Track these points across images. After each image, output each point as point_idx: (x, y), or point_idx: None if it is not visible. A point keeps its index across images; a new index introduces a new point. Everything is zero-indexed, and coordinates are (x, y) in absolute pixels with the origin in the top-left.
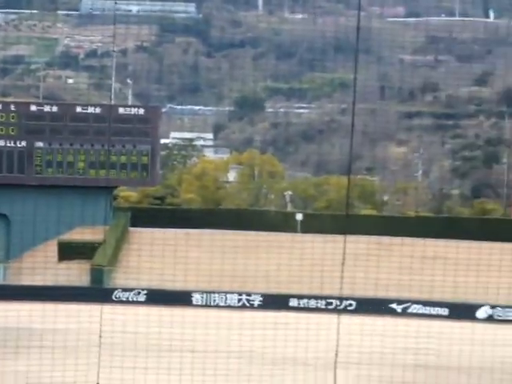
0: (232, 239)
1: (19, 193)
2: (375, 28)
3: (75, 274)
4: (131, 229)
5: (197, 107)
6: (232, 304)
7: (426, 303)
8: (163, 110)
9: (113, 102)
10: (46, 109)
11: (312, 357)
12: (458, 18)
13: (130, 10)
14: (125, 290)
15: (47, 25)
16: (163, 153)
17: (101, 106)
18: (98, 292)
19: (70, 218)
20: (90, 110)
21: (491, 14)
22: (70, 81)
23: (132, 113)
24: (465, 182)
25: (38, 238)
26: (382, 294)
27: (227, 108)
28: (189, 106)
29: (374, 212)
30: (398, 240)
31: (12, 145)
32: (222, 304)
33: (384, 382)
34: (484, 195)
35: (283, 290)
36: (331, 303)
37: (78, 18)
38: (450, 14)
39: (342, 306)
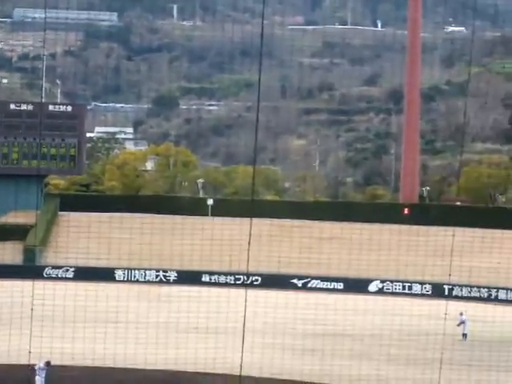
0: (150, 222)
1: None
2: (277, 34)
3: (9, 253)
4: (60, 213)
5: (118, 105)
6: (151, 279)
7: (323, 278)
8: (89, 107)
9: (43, 100)
10: None
11: (222, 326)
12: (350, 27)
13: (59, 18)
14: (54, 267)
15: None
16: (89, 145)
17: (33, 103)
18: (30, 270)
19: (5, 204)
20: (23, 107)
21: (379, 24)
22: (4, 81)
23: (61, 110)
24: (357, 171)
25: None
26: (284, 270)
27: (146, 105)
28: (111, 104)
29: (276, 197)
30: (298, 222)
31: None
32: (141, 279)
33: (286, 349)
34: (374, 182)
35: (196, 267)
36: (239, 279)
37: (11, 25)
38: (343, 22)
39: (248, 281)
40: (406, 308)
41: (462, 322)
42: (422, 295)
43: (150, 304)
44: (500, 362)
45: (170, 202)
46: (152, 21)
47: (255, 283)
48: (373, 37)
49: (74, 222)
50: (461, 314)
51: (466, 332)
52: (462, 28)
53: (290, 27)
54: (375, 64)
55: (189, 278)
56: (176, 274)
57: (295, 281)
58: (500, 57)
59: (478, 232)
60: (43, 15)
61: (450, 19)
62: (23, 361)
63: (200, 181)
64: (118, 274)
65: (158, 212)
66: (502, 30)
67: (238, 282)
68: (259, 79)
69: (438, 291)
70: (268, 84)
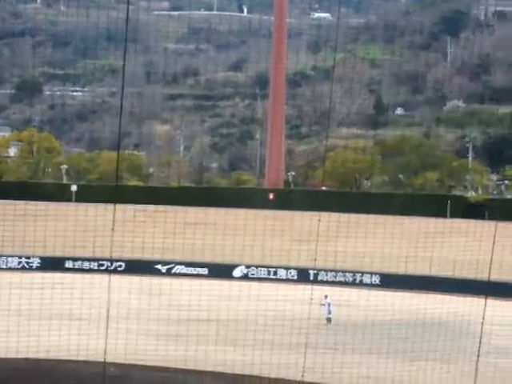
0: (12, 209)
1: None
2: (143, 20)
3: None
4: None
5: None
6: (13, 266)
7: (188, 264)
8: None
9: None
10: None
11: (86, 312)
12: (216, 12)
13: None
14: None
15: None
16: None
17: None
18: None
19: None
20: None
21: (245, 9)
22: None
23: None
24: (222, 156)
25: None
26: (148, 256)
27: (8, 91)
28: None
29: (140, 183)
30: (162, 208)
31: None
32: (3, 266)
33: (151, 334)
34: (239, 168)
35: (59, 253)
36: (103, 264)
37: None
38: (209, 8)
39: (112, 267)
40: (271, 293)
41: (327, 305)
42: (288, 280)
43: (12, 291)
44: (364, 344)
45: (33, 188)
46: (15, 5)
47: (119, 269)
48: (239, 22)
49: None
50: (325, 297)
51: (330, 316)
52: (328, 14)
53: (156, 13)
54: (241, 50)
55: (52, 264)
56: (39, 261)
57: (159, 266)
58: (364, 43)
59: (344, 217)
60: None
61: (316, 5)
62: None
63: (64, 167)
64: None
65: (21, 198)
66: (366, 16)
67: (101, 268)
68: (124, 65)
69: (304, 276)
70: (133, 70)
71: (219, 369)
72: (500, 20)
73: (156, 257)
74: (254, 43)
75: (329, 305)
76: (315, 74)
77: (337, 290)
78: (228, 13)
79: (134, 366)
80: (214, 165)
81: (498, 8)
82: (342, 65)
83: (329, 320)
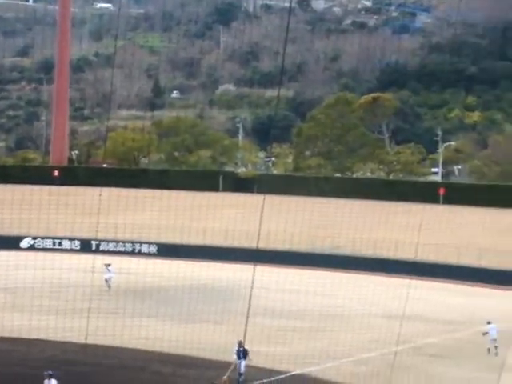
0: None
1: None
2: None
3: None
4: None
5: None
6: None
7: None
8: None
9: None
10: None
11: None
12: (2, 1)
13: None
14: None
15: None
16: None
17: None
18: None
19: None
20: None
21: None
22: None
23: None
24: (10, 136)
25: None
26: None
27: None
28: None
29: None
30: None
31: None
32: None
33: None
34: (26, 147)
35: None
36: None
37: None
38: None
39: None
40: (56, 263)
41: (108, 272)
42: (72, 250)
43: None
44: (143, 309)
45: None
46: None
47: None
48: (24, 11)
49: None
50: (107, 265)
51: (110, 284)
52: (110, 4)
53: None
54: (27, 36)
55: None
56: None
57: None
58: (144, 31)
59: (124, 191)
60: None
61: None
62: None
63: None
64: None
65: None
66: (145, 7)
67: None
68: None
69: (87, 247)
70: None
71: (14, 334)
72: (267, 12)
73: None
74: (39, 31)
75: (109, 271)
76: (98, 60)
77: (117, 259)
78: (14, 1)
79: None
80: (1, 144)
81: (265, 1)
82: (122, 52)
83: (108, 285)
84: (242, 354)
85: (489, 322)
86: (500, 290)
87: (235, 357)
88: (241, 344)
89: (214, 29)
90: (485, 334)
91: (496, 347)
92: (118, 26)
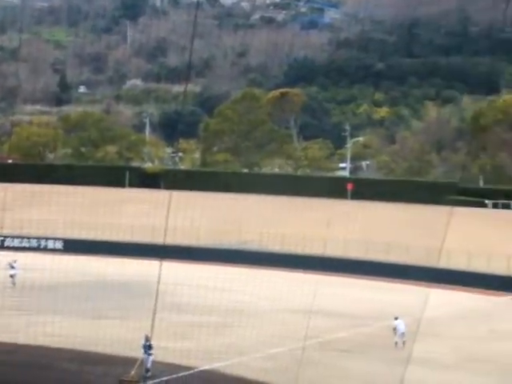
0: None
1: None
2: None
3: None
4: None
5: None
6: None
7: None
8: None
9: None
10: None
11: None
12: None
13: None
14: None
15: None
16: None
17: None
18: None
19: None
20: None
21: None
22: None
23: None
24: None
25: None
26: None
27: None
28: None
29: None
30: None
31: None
32: None
33: None
34: None
35: None
36: None
37: None
38: None
39: None
40: None
41: (12, 269)
42: None
43: None
44: (49, 305)
45: None
46: None
47: None
48: None
49: None
50: (12, 262)
51: (15, 280)
52: None
53: None
54: None
55: None
56: None
57: None
58: (49, 25)
59: (29, 187)
60: None
61: None
62: None
63: None
64: None
65: None
66: (51, 0)
67: None
68: None
69: None
70: None
71: None
72: (174, 7)
73: None
74: None
75: (13, 268)
76: (1, 53)
77: (23, 255)
78: None
79: None
80: None
81: None
82: (27, 45)
83: (14, 283)
84: (149, 349)
85: (396, 318)
86: (407, 284)
87: (143, 352)
88: (147, 339)
89: (121, 23)
90: (394, 329)
91: (404, 342)
92: (21, 19)
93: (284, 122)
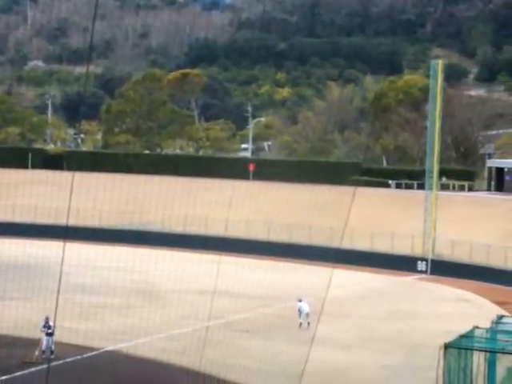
0: None
1: None
2: None
3: None
4: None
5: None
6: None
7: None
8: None
9: None
10: None
11: None
12: None
13: None
14: None
15: None
16: None
17: None
18: None
19: None
20: None
21: None
22: None
23: None
24: None
25: None
26: None
27: None
28: None
29: None
30: None
31: None
32: None
33: None
34: None
35: None
36: None
37: None
38: None
39: None
40: None
41: None
42: None
43: None
44: None
45: None
46: None
47: None
48: None
49: None
50: None
51: None
52: None
53: None
54: None
55: None
56: None
57: None
58: None
59: None
60: None
61: None
62: None
63: None
64: None
65: None
66: None
67: None
68: None
69: None
70: None
71: None
72: None
73: None
74: None
75: None
76: None
77: None
78: None
79: None
80: None
81: None
82: None
83: None
84: (48, 329)
85: (300, 300)
86: (310, 265)
87: (43, 333)
88: (47, 320)
89: (20, 3)
90: (299, 310)
91: (308, 323)
92: None
93: (185, 103)
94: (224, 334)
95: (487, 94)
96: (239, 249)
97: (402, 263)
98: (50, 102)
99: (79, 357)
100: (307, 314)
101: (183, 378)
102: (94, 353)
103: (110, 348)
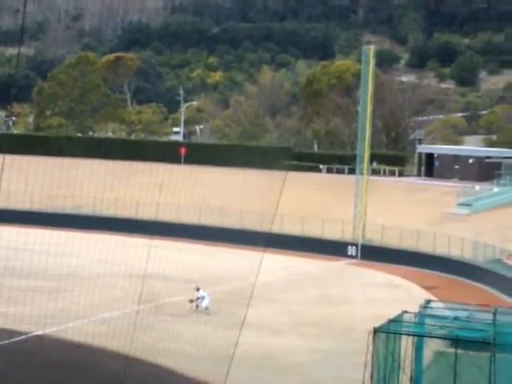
0: None
1: None
2: None
3: None
4: None
5: None
6: None
7: None
8: None
9: None
10: None
11: None
12: None
13: None
14: None
15: None
16: None
17: None
18: None
19: None
20: None
21: None
22: None
23: None
24: None
25: None
26: None
27: None
28: None
29: None
30: None
31: None
32: None
33: None
34: None
35: None
36: None
37: None
38: None
39: None
40: None
41: None
42: None
43: None
44: None
45: None
46: None
47: None
48: None
49: None
50: None
51: None
52: None
53: None
54: None
55: None
56: None
57: None
58: None
59: None
60: None
61: None
62: None
63: None
64: None
65: None
66: None
67: None
68: None
69: None
70: None
71: None
72: None
73: None
74: None
75: None
76: None
77: None
78: None
79: None
80: None
81: None
82: None
83: None
84: None
85: (198, 289)
86: (241, 249)
87: None
88: None
89: None
90: (196, 299)
91: (207, 309)
92: None
93: (118, 87)
94: (154, 317)
95: (418, 80)
96: (170, 232)
97: (333, 248)
98: None
99: (7, 341)
100: (202, 298)
101: (113, 362)
102: (23, 337)
103: (40, 332)
